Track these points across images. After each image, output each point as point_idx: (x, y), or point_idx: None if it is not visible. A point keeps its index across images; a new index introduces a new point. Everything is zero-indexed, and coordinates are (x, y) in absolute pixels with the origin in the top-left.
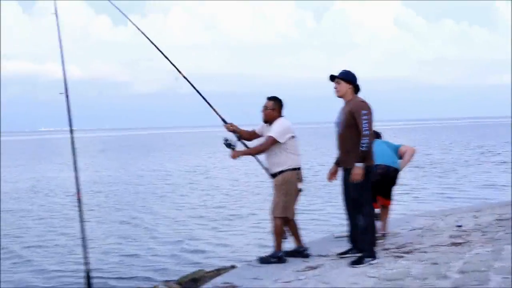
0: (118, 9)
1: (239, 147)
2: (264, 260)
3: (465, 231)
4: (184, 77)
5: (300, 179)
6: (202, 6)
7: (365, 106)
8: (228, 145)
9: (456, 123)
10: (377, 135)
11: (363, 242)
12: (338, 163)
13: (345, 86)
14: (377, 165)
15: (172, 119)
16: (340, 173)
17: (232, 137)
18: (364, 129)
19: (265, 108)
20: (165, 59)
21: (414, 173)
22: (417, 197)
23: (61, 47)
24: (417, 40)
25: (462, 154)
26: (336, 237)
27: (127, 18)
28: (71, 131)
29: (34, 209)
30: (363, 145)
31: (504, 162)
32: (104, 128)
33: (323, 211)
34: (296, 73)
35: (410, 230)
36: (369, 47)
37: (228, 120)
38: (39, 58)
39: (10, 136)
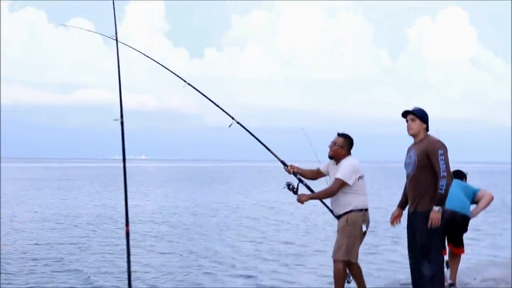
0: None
1: (302, 190)
2: None
3: None
4: (239, 123)
5: (366, 221)
6: (277, 41)
7: (441, 145)
8: (292, 189)
9: None
10: (461, 175)
11: None
12: (402, 206)
13: (419, 124)
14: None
15: (239, 152)
16: (405, 216)
17: (294, 180)
18: (442, 170)
19: (333, 144)
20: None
21: (492, 218)
22: (494, 244)
23: (119, 74)
24: (494, 81)
25: None
26: (402, 285)
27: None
28: (124, 160)
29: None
30: (442, 188)
31: None
32: (175, 159)
33: (390, 256)
34: (369, 110)
35: (482, 281)
36: (444, 87)
37: (292, 157)
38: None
39: (85, 163)
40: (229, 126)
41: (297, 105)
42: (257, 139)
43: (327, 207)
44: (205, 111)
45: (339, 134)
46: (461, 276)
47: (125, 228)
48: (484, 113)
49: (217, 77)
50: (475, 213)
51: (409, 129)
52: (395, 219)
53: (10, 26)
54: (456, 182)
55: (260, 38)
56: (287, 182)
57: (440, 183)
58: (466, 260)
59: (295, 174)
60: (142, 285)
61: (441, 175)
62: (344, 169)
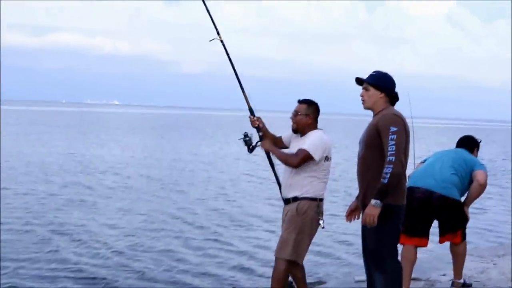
0: None
1: (259, 151)
2: None
3: None
4: (222, 41)
5: (321, 213)
6: None
7: (395, 121)
8: (247, 142)
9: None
10: (471, 144)
11: None
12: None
13: (375, 95)
14: (416, 187)
15: (214, 100)
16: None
17: (252, 135)
18: (389, 152)
19: (296, 113)
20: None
21: None
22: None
23: None
24: (469, 39)
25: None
26: (357, 281)
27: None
28: None
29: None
30: (385, 176)
31: None
32: (149, 105)
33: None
34: (346, 63)
35: (450, 279)
36: (420, 43)
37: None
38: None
39: (59, 107)
40: (210, 40)
41: (273, 55)
42: (233, 66)
43: (278, 183)
44: (181, 58)
45: (300, 101)
46: (429, 270)
47: None
48: (459, 70)
49: (193, 24)
50: (468, 202)
51: (362, 101)
52: (351, 213)
53: None
54: (453, 151)
55: None
56: (244, 133)
57: (384, 170)
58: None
59: (258, 129)
60: None
61: (387, 160)
62: (313, 141)
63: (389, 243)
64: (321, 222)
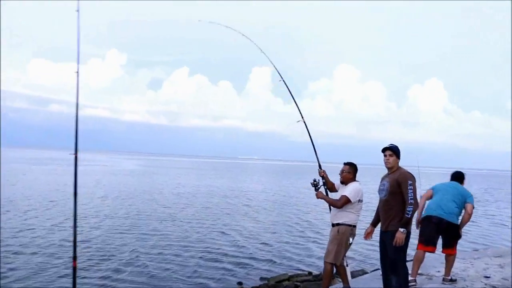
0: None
1: (322, 190)
2: None
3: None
4: (305, 123)
5: (353, 235)
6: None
7: (411, 177)
8: (315, 185)
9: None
10: (460, 177)
11: None
12: (374, 224)
13: (395, 160)
14: (432, 216)
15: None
16: (376, 233)
17: (319, 181)
18: (409, 198)
19: (342, 171)
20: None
21: None
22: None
23: None
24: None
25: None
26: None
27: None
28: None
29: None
30: (408, 213)
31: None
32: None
33: None
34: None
35: (442, 275)
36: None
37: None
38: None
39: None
40: (297, 121)
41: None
42: (312, 141)
43: (331, 214)
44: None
45: (345, 163)
46: (424, 268)
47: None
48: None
49: None
50: (462, 224)
51: (387, 163)
52: (368, 235)
53: None
54: (452, 186)
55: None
56: (314, 179)
57: (407, 209)
58: (428, 255)
59: (322, 177)
60: None
61: (409, 202)
62: (351, 190)
63: (403, 256)
64: (350, 239)
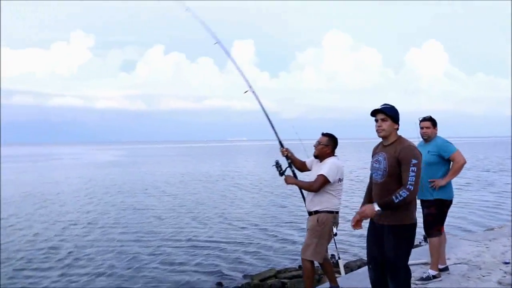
0: None
1: (288, 173)
2: None
3: None
4: (254, 92)
5: (336, 223)
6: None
7: (416, 154)
8: (279, 169)
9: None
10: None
11: None
12: None
13: (390, 125)
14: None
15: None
16: (365, 224)
17: (284, 161)
18: (410, 182)
19: (318, 143)
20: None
21: None
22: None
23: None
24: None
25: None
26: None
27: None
28: None
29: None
30: (398, 197)
31: None
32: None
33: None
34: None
35: (455, 263)
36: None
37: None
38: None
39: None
40: (244, 92)
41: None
42: (265, 113)
43: (304, 199)
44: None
45: (323, 134)
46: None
47: None
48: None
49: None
50: (444, 183)
51: (379, 130)
52: (357, 223)
53: None
54: (433, 143)
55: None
56: (276, 161)
57: (401, 192)
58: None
59: (287, 157)
60: None
61: (407, 187)
62: (329, 167)
63: (405, 256)
64: (334, 229)
